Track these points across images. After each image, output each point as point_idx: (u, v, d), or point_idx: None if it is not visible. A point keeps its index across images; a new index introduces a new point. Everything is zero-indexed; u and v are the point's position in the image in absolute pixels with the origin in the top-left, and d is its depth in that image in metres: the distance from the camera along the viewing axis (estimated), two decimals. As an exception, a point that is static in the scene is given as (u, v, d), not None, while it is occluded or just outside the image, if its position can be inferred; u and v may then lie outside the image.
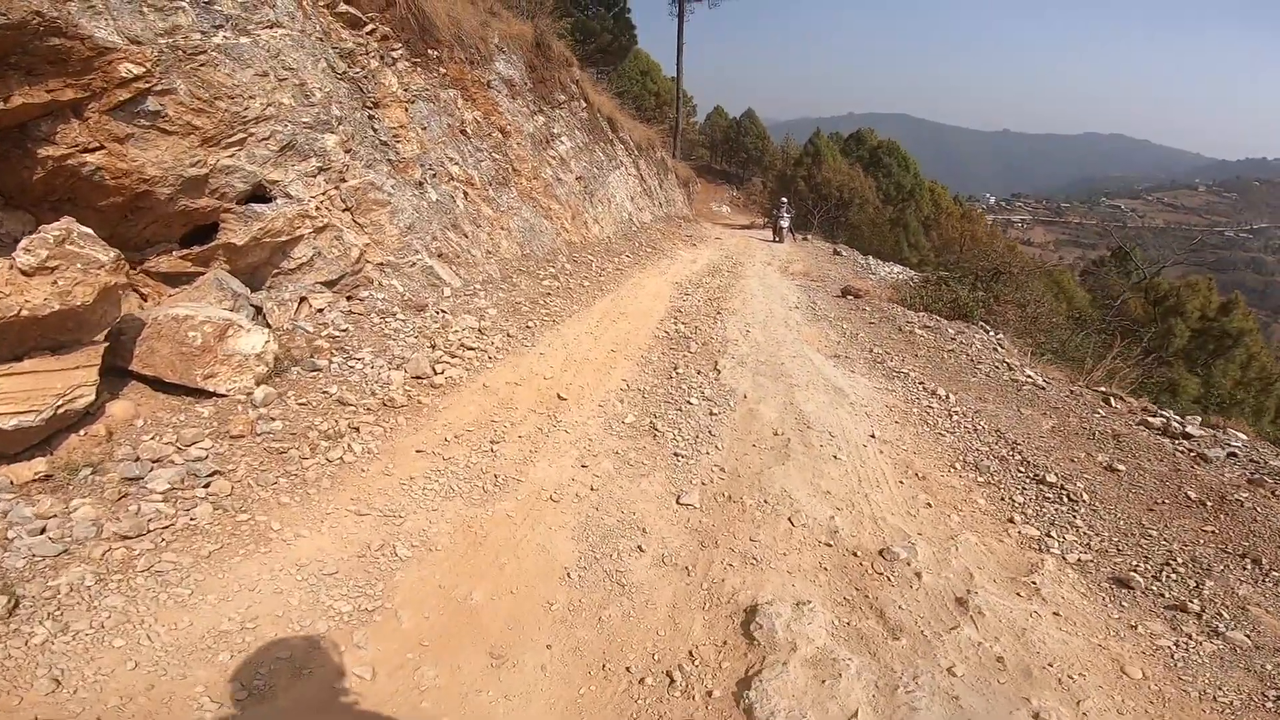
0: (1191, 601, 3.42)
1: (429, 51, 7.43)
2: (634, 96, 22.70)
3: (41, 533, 2.95)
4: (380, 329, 5.35)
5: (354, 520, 3.39)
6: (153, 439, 3.64)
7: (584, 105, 12.27)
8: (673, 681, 2.70)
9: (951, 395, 5.78)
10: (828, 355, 6.92)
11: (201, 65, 4.48)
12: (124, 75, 4.07)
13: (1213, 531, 3.97)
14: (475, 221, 7.62)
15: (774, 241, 17.89)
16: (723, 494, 3.99)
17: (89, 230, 3.50)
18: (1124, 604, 3.41)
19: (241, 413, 4.00)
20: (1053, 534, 3.90)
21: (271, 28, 5.08)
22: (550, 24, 11.08)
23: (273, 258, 5.20)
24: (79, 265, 3.40)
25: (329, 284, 5.52)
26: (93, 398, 3.57)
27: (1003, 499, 4.26)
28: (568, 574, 3.22)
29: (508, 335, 6.00)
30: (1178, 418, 5.48)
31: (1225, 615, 3.35)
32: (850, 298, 10.00)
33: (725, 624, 3.02)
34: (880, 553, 3.53)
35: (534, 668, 2.71)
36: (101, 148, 4.15)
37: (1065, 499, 4.21)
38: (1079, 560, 3.69)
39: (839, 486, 4.14)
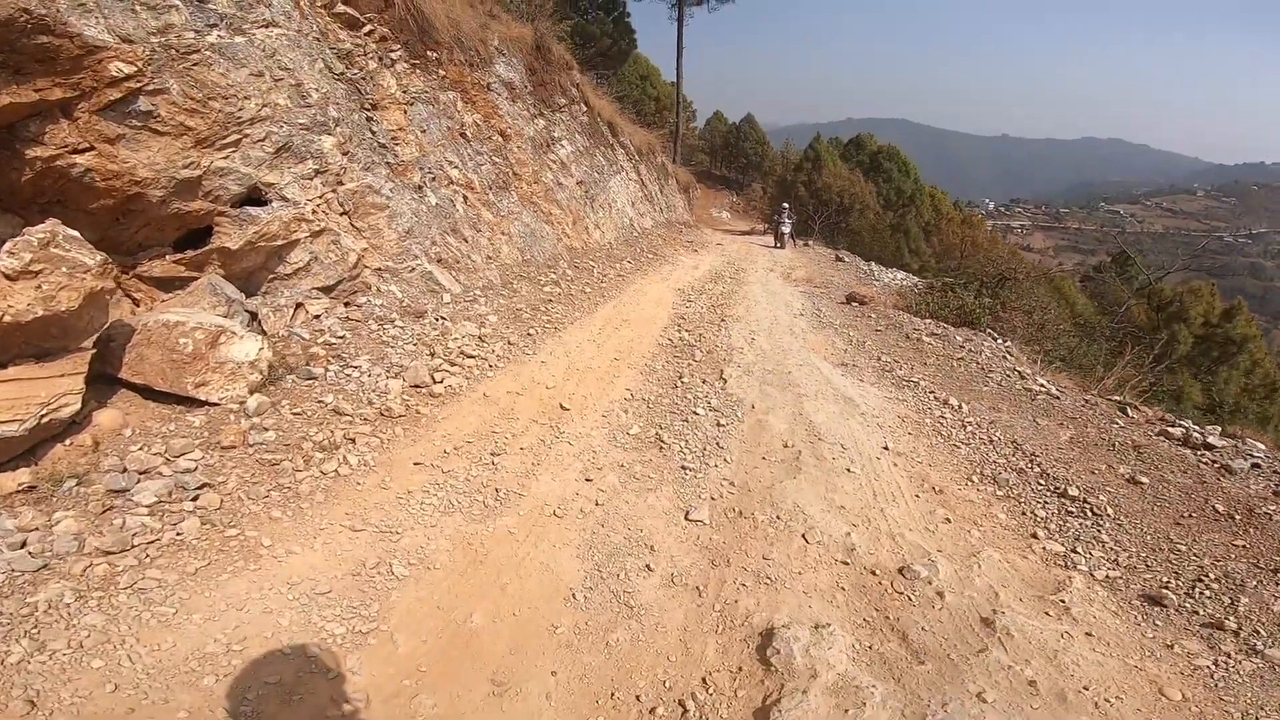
0: (1228, 619, 3.27)
1: (428, 53, 7.31)
2: (634, 101, 22.61)
3: (22, 546, 2.81)
4: (378, 336, 5.20)
5: (348, 536, 3.23)
6: (141, 449, 3.50)
7: (584, 109, 12.15)
8: (686, 711, 2.55)
9: (964, 405, 5.64)
10: (835, 363, 6.78)
11: (195, 65, 4.35)
12: (114, 74, 3.94)
13: (1243, 546, 3.82)
14: (475, 226, 7.48)
15: (775, 247, 17.75)
16: (733, 509, 3.84)
17: (75, 233, 3.36)
18: (1158, 623, 3.26)
19: (233, 422, 3.85)
20: (1078, 550, 3.75)
21: (267, 27, 4.95)
22: (550, 27, 10.97)
23: (268, 262, 5.06)
24: (64, 269, 3.26)
25: (326, 289, 5.37)
26: (78, 406, 3.43)
27: (1024, 513, 4.10)
28: (573, 595, 3.06)
29: (509, 343, 5.86)
30: (1197, 428, 5.33)
31: (1263, 632, 3.20)
32: (855, 304, 9.86)
33: (740, 648, 2.86)
34: (900, 571, 3.38)
35: (538, 696, 2.56)
36: (91, 149, 4.02)
37: (1089, 513, 4.06)
38: (1107, 577, 3.54)
39: (853, 501, 3.98)
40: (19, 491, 3.08)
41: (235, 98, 4.59)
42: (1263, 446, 5.32)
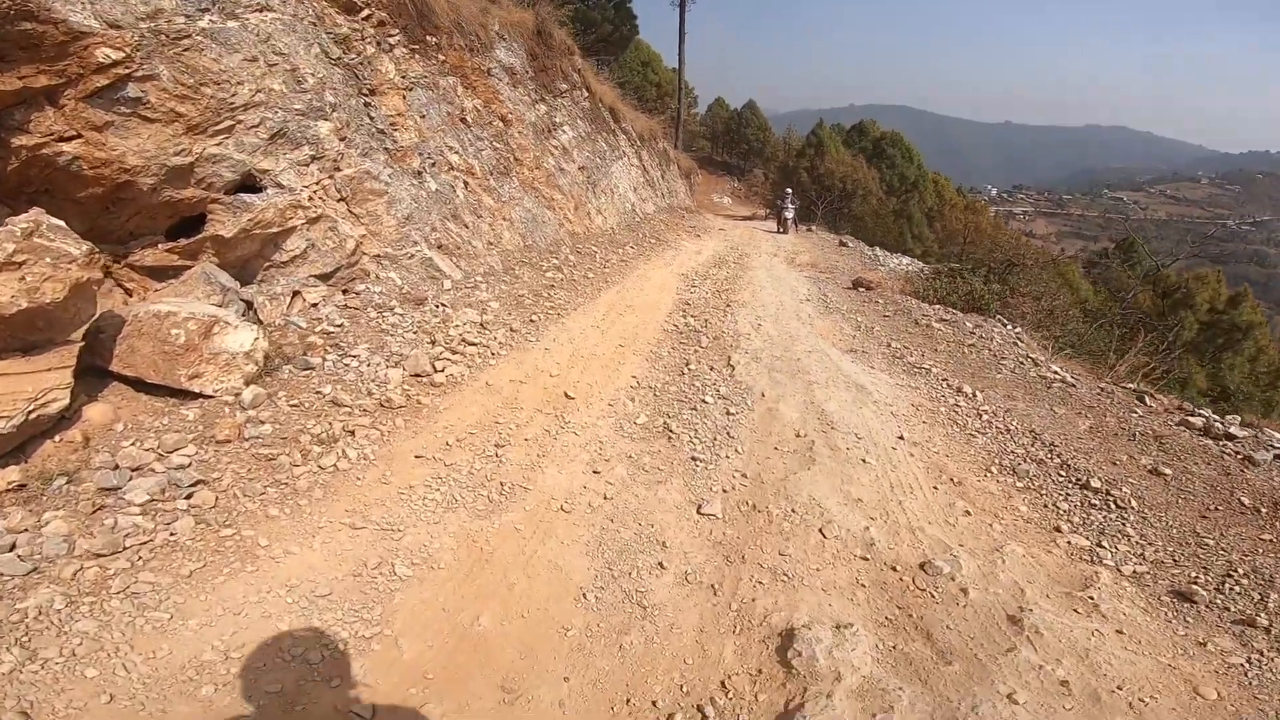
0: (1259, 615, 3.16)
1: (427, 38, 7.13)
2: (635, 87, 22.32)
3: (11, 549, 2.70)
4: (377, 324, 5.07)
5: (349, 535, 3.11)
6: (133, 445, 3.37)
7: (586, 94, 11.95)
8: (705, 717, 2.43)
9: (978, 393, 5.50)
10: (844, 350, 6.64)
11: (186, 50, 4.22)
12: (101, 61, 3.81)
13: (1271, 540, 3.70)
14: (476, 212, 7.32)
15: (778, 232, 17.59)
16: (746, 503, 3.71)
17: (60, 222, 3.22)
18: (1189, 619, 3.15)
19: (228, 415, 3.72)
20: (1104, 544, 3.62)
21: (261, 11, 4.79)
22: (551, 12, 10.76)
23: (264, 250, 4.91)
24: (48, 260, 3.12)
25: (323, 277, 5.23)
26: (67, 401, 3.30)
27: (1046, 506, 3.98)
28: (583, 595, 2.94)
29: (511, 329, 5.72)
30: (1218, 417, 5.20)
31: (1295, 630, 3.09)
32: (862, 290, 9.71)
33: (759, 650, 2.75)
34: (921, 567, 3.26)
35: (550, 703, 2.44)
36: (79, 136, 3.89)
37: (1113, 506, 3.93)
38: (1135, 572, 3.42)
39: (870, 493, 3.86)
40: (8, 490, 2.96)
41: (228, 83, 4.45)
42: (1281, 436, 5.19)
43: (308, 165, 5.06)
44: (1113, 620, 3.05)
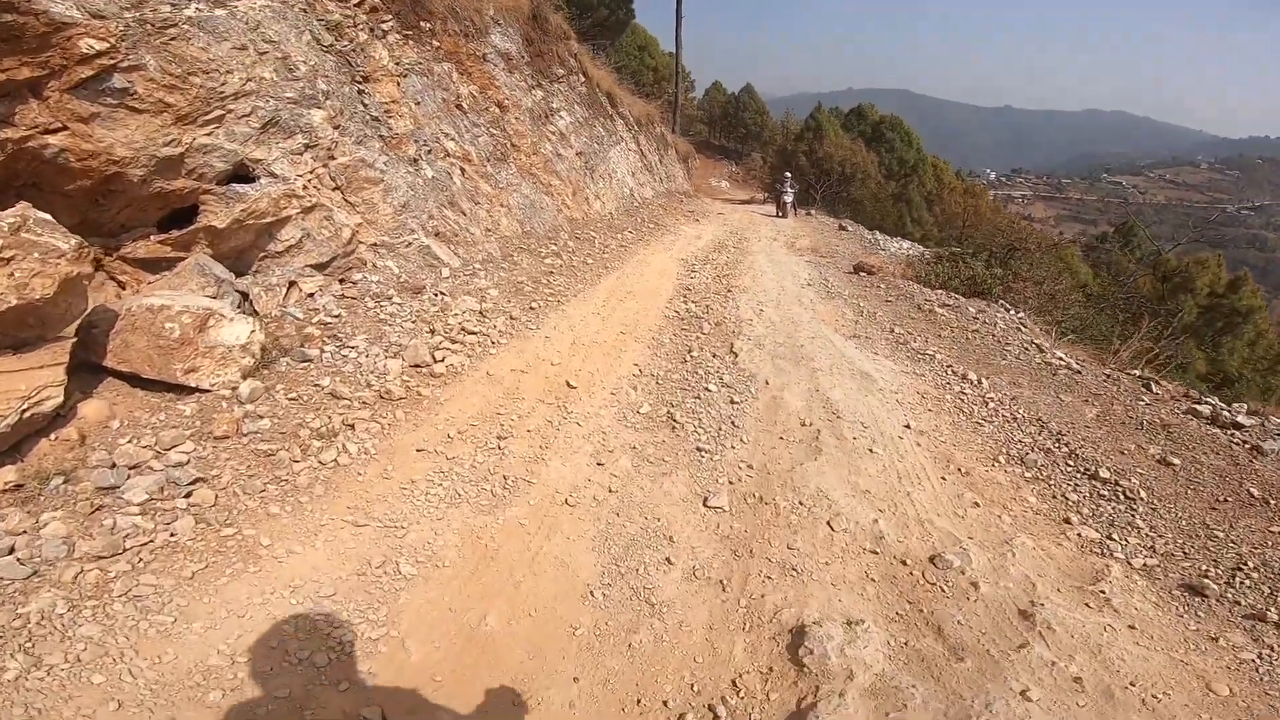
0: (1269, 610, 3.13)
1: (421, 24, 6.99)
2: (632, 72, 22.06)
3: (10, 552, 2.65)
4: (375, 314, 4.99)
5: (351, 533, 3.06)
6: (129, 442, 3.31)
7: (583, 80, 11.77)
8: (716, 717, 2.40)
9: (984, 380, 5.45)
10: (847, 336, 6.58)
11: (173, 39, 4.12)
12: (85, 52, 3.72)
13: (1280, 531, 3.68)
14: (473, 199, 7.22)
15: (777, 216, 17.44)
16: (753, 494, 3.67)
17: (47, 216, 3.13)
18: (1200, 614, 3.12)
19: (226, 410, 3.65)
20: (1114, 536, 3.59)
21: (249, -2, 4.66)
22: (546, -5, 10.58)
23: (258, 240, 4.82)
24: (36, 255, 3.04)
25: (319, 267, 5.14)
26: (61, 399, 3.23)
27: (1055, 497, 3.94)
28: (590, 592, 2.90)
29: (510, 317, 5.64)
30: (1224, 405, 5.16)
31: (1306, 625, 3.06)
32: (863, 274, 9.63)
33: (769, 647, 2.71)
34: (931, 560, 3.22)
35: (561, 705, 2.40)
36: (64, 128, 3.80)
37: (1122, 496, 3.90)
38: (1145, 565, 3.39)
39: (878, 484, 3.81)
40: (6, 491, 2.90)
41: (217, 72, 4.35)
42: (1289, 423, 5.15)
43: (301, 154, 4.96)
44: (1125, 615, 3.02)
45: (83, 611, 2.45)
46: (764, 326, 6.38)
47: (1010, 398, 5.13)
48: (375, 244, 5.59)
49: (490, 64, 8.41)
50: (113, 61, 3.80)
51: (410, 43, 6.72)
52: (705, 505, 3.55)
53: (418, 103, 6.61)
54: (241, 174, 4.63)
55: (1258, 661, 2.88)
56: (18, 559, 2.61)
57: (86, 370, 3.63)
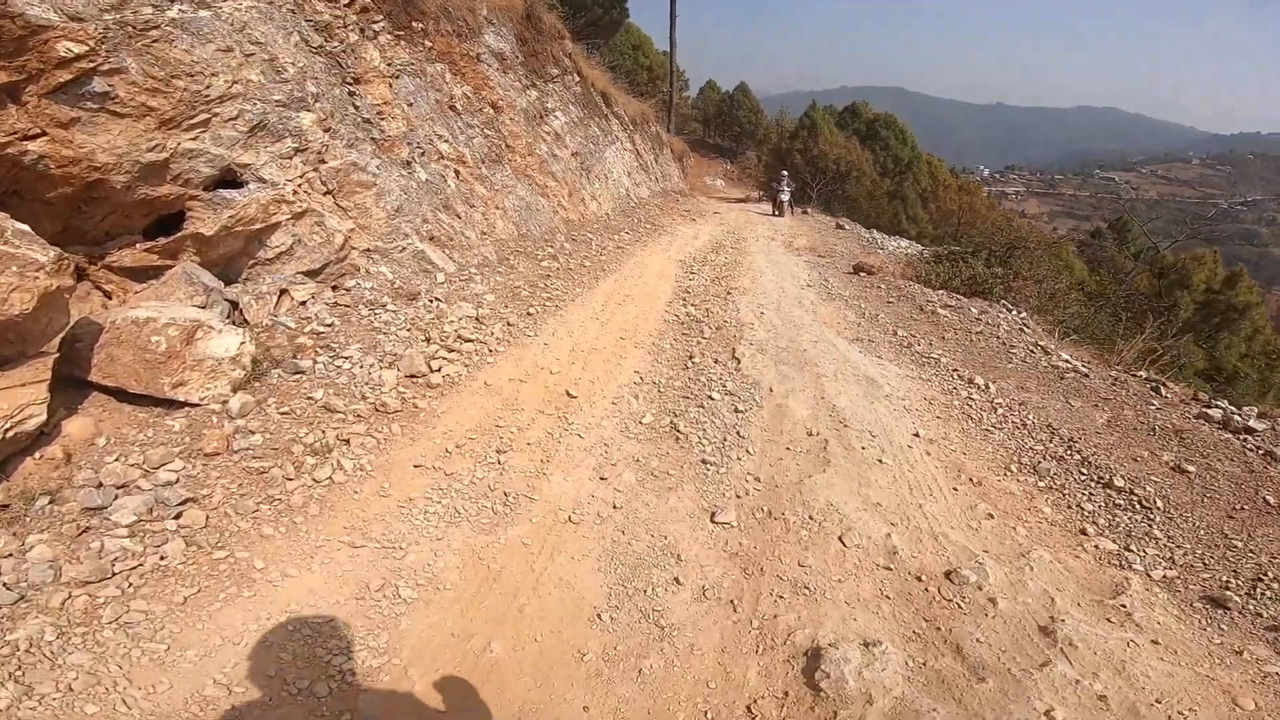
0: (1292, 622, 3.05)
1: (413, 24, 6.86)
2: (626, 71, 21.91)
3: (-3, 576, 2.53)
4: (369, 322, 4.86)
5: (348, 554, 2.94)
6: (116, 461, 3.19)
7: (577, 79, 11.65)
8: (731, 748, 2.30)
9: (991, 385, 5.36)
10: (850, 339, 6.49)
11: (155, 42, 3.99)
12: (63, 55, 3.58)
13: (1299, 539, 3.60)
14: (468, 201, 7.09)
15: (774, 215, 17.36)
16: (761, 509, 3.56)
17: (25, 227, 3.00)
18: (1223, 626, 3.04)
19: (216, 425, 3.53)
20: (1132, 547, 3.50)
21: None
22: (540, -5, 10.44)
23: (248, 247, 4.69)
24: (14, 268, 2.91)
25: (311, 274, 5.02)
26: (44, 417, 3.11)
27: (1070, 507, 3.85)
28: (598, 615, 2.79)
29: (508, 324, 5.53)
30: (1235, 409, 5.08)
31: (1329, 637, 2.99)
32: (863, 275, 9.55)
33: (784, 670, 2.61)
34: (947, 575, 3.13)
35: (569, 737, 2.30)
36: (44, 134, 3.66)
37: (1137, 506, 3.81)
38: (1165, 577, 3.30)
39: (889, 497, 3.72)
40: (-9, 512, 2.78)
41: (202, 75, 4.22)
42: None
43: (291, 158, 4.83)
44: (1147, 630, 2.94)
45: (72, 639, 2.35)
46: (765, 330, 6.28)
47: (1019, 403, 5.04)
48: (368, 249, 5.46)
49: (484, 64, 8.28)
50: (92, 65, 3.67)
51: (402, 43, 6.60)
52: (713, 521, 3.45)
53: (410, 104, 6.48)
54: (229, 179, 4.50)
55: (1282, 676, 2.80)
56: (4, 584, 2.51)
57: (72, 385, 3.50)
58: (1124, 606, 3.04)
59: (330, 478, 3.37)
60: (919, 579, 3.12)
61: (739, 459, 4.01)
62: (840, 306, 7.72)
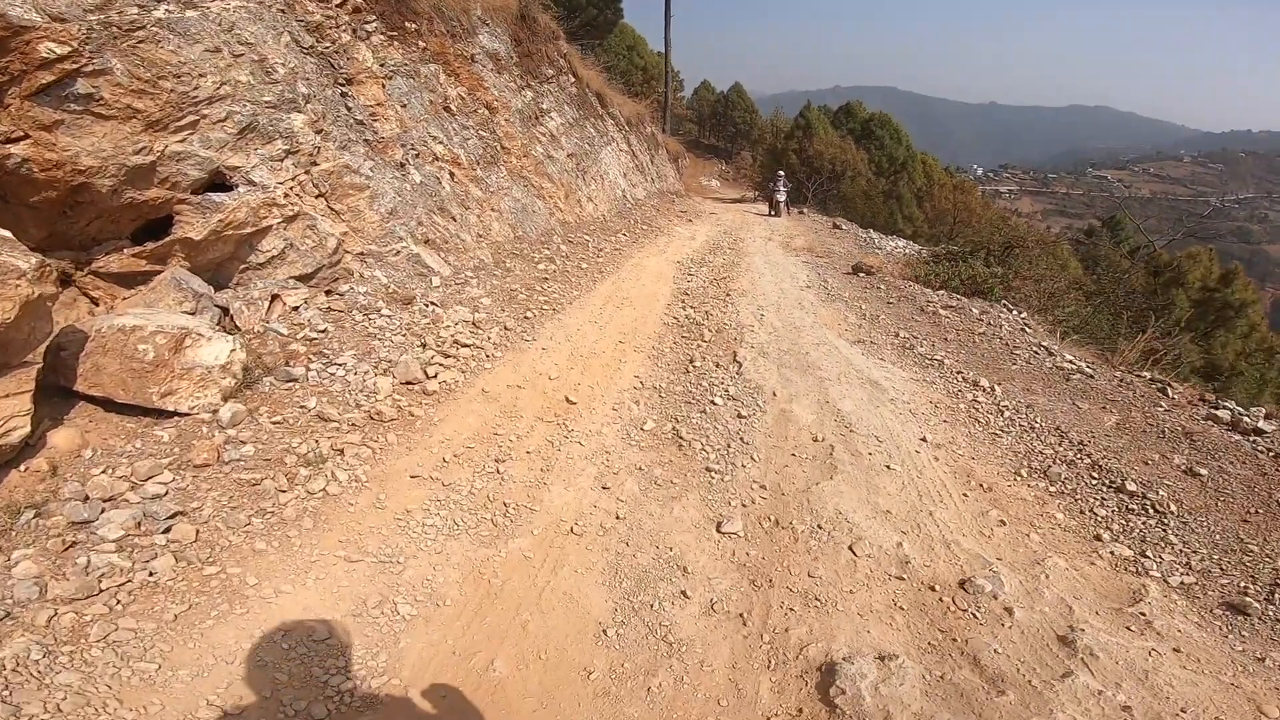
0: (1313, 628, 2.98)
1: (406, 24, 6.77)
2: (621, 72, 21.83)
3: (-19, 593, 2.44)
4: (363, 327, 4.76)
5: (345, 569, 2.84)
6: (103, 473, 3.09)
7: (573, 80, 11.56)
8: (745, 771, 2.21)
9: (996, 387, 5.28)
10: (851, 341, 6.41)
11: (140, 42, 3.90)
12: (45, 56, 3.50)
13: (1315, 543, 3.52)
14: (463, 203, 7.00)
15: (770, 215, 17.31)
16: (768, 518, 3.47)
17: (6, 233, 2.91)
18: (1244, 633, 2.97)
19: (206, 435, 3.43)
20: (1148, 553, 3.42)
21: (223, -1, 4.43)
22: (534, -5, 10.35)
23: (238, 252, 4.59)
24: (-6, 276, 2.80)
25: (304, 278, 4.91)
26: (29, 429, 3.01)
27: (1082, 512, 3.77)
28: (604, 631, 2.70)
29: (505, 328, 5.44)
30: (1243, 410, 5.01)
31: (1349, 642, 2.92)
32: (862, 275, 9.47)
33: (797, 686, 2.52)
34: (961, 585, 3.04)
35: (577, 762, 2.20)
36: (26, 137, 3.58)
37: (1151, 510, 3.73)
38: (1183, 584, 3.22)
39: (898, 504, 3.63)
40: (-24, 526, 2.68)
41: (189, 76, 4.13)
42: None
43: (281, 160, 4.73)
44: (1168, 638, 2.86)
45: (59, 658, 2.26)
46: (766, 333, 6.20)
47: (1025, 405, 4.96)
48: (362, 253, 5.36)
49: (478, 65, 8.18)
50: (76, 66, 3.57)
51: (395, 44, 6.50)
52: (719, 531, 3.35)
53: (404, 105, 6.38)
54: (219, 182, 4.40)
55: (1306, 684, 2.72)
56: (-11, 600, 2.41)
57: (57, 395, 3.41)
58: (1143, 614, 2.97)
59: (324, 489, 3.27)
60: (932, 588, 3.03)
61: (744, 466, 3.92)
62: (841, 308, 7.65)
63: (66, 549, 2.70)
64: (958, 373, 5.60)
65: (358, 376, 4.19)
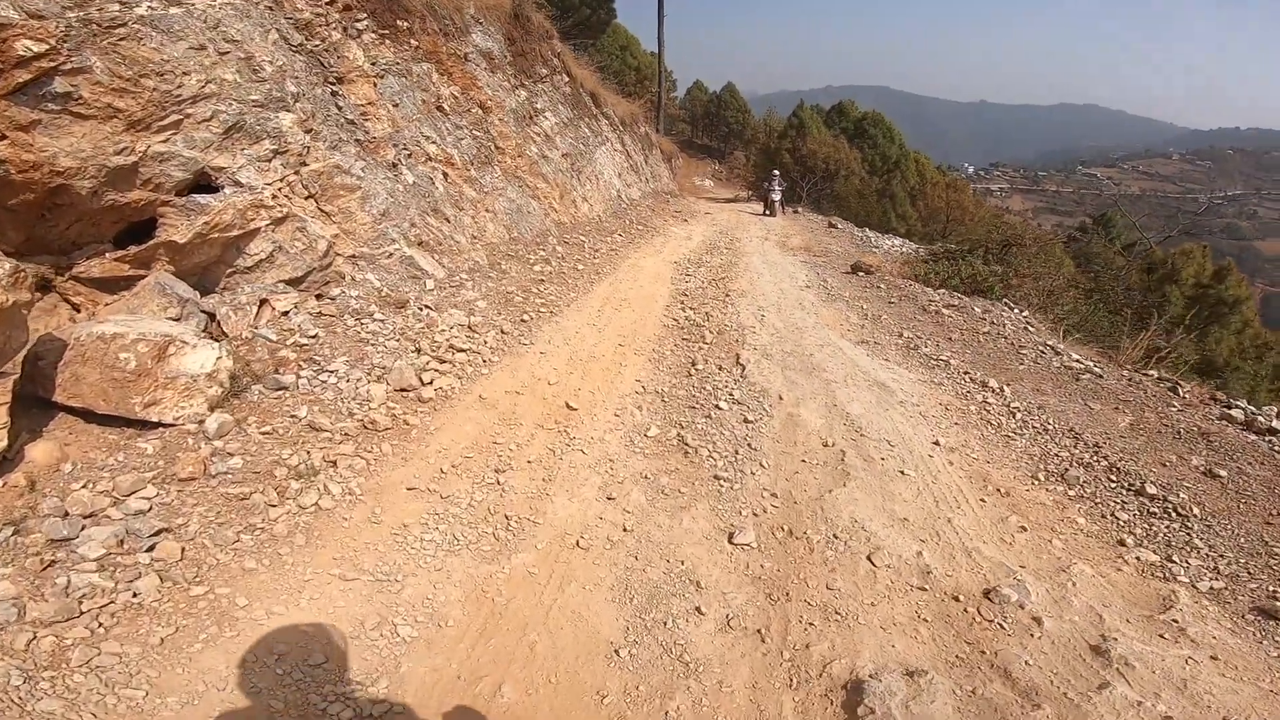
0: (1346, 633, 2.87)
1: (398, 22, 6.62)
2: (614, 72, 21.71)
3: (-42, 616, 2.30)
4: (356, 333, 4.60)
5: (340, 588, 2.69)
6: (84, 488, 2.93)
7: (567, 80, 11.43)
8: (771, 801, 2.08)
9: (1005, 388, 5.17)
10: (855, 342, 6.30)
11: (122, 40, 3.75)
12: (22, 54, 3.35)
13: (1339, 545, 3.42)
14: (457, 204, 6.85)
15: (765, 215, 17.22)
16: (782, 528, 3.34)
17: (-23, 237, 2.74)
18: (1277, 639, 2.86)
19: (192, 447, 3.28)
20: (1174, 558, 3.31)
21: (208, -6, 4.28)
22: (528, -6, 10.22)
23: (225, 255, 4.42)
24: (-36, 281, 2.64)
25: (293, 282, 4.75)
26: (5, 442, 2.88)
27: (1104, 517, 3.65)
28: (616, 652, 2.56)
29: (501, 332, 5.29)
30: (1256, 410, 4.92)
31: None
32: (861, 274, 9.38)
33: (822, 706, 2.39)
34: (986, 595, 2.92)
35: (593, 795, 2.06)
36: (2, 138, 3.43)
37: (1174, 514, 3.62)
38: (1212, 589, 3.11)
39: (915, 511, 3.50)
40: (-50, 544, 2.54)
41: (172, 74, 3.98)
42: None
43: (269, 160, 4.57)
44: (1204, 645, 2.74)
45: (40, 684, 2.13)
46: (768, 334, 6.07)
47: (1037, 407, 4.85)
48: (354, 255, 5.21)
49: (472, 64, 8.04)
50: (53, 64, 3.42)
51: (387, 42, 6.36)
52: (731, 542, 3.22)
53: (396, 104, 6.23)
54: (204, 184, 4.25)
55: (1344, 691, 2.62)
56: (-36, 623, 2.27)
57: (35, 406, 3.24)
58: (1175, 621, 2.85)
59: (317, 503, 3.12)
60: (956, 599, 2.91)
61: (753, 473, 3.79)
62: (842, 308, 7.54)
63: (45, 568, 2.56)
64: (965, 373, 5.49)
65: (350, 384, 4.04)
